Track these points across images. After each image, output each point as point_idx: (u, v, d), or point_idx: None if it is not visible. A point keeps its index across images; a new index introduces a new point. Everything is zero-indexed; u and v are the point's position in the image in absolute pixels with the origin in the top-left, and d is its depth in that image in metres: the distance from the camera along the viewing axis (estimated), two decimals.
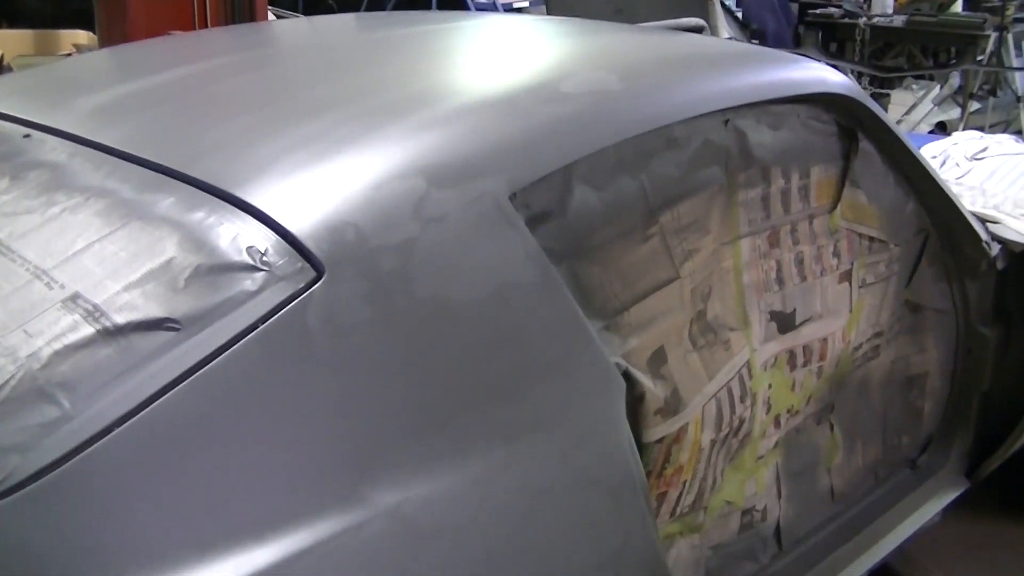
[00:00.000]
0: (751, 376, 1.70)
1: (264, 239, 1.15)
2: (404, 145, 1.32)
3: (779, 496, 1.88)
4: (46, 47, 5.68)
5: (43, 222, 1.26)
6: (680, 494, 1.62)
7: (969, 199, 2.35)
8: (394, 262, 1.19)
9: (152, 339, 1.06)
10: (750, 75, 1.73)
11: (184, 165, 1.30)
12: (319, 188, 1.23)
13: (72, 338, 1.05)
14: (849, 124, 1.83)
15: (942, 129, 5.78)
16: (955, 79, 6.10)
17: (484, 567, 1.23)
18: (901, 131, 1.94)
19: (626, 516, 1.40)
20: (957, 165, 2.92)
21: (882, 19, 6.17)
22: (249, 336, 1.08)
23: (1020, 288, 2.24)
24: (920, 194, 2.01)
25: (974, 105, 6.04)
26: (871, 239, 1.93)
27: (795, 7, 6.65)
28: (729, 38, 5.68)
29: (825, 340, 1.86)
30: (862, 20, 6.10)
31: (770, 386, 1.75)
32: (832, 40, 6.43)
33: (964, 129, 5.05)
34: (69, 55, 5.08)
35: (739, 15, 6.45)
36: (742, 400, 1.68)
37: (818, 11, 6.44)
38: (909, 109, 5.88)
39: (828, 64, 2.05)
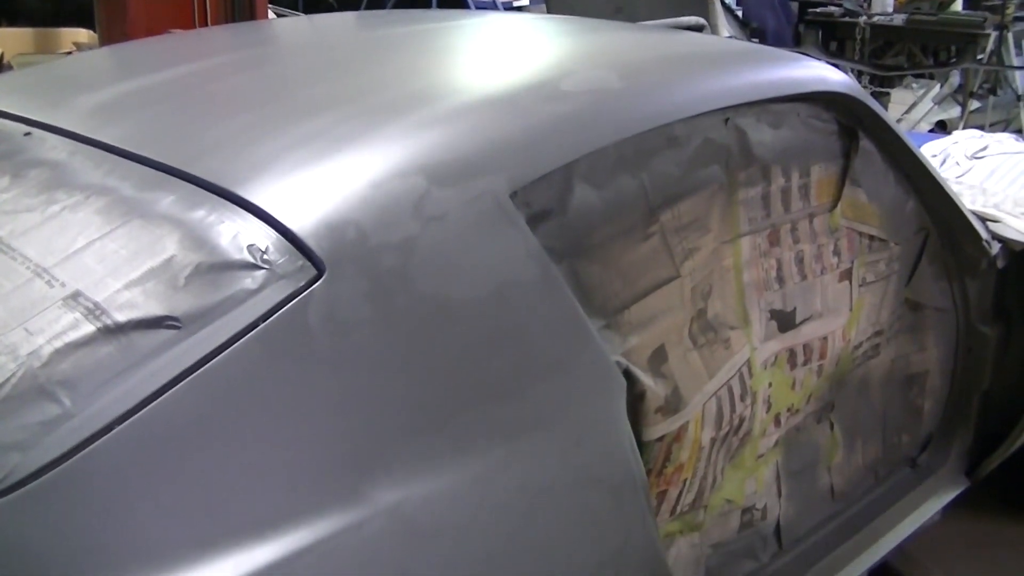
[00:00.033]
0: (751, 375, 1.70)
1: (265, 237, 1.15)
2: (404, 143, 1.31)
3: (779, 495, 1.88)
4: (46, 45, 5.69)
5: (44, 220, 1.26)
6: (680, 492, 1.62)
7: (969, 198, 2.35)
8: (395, 260, 1.18)
9: (153, 337, 1.06)
10: (750, 74, 1.73)
11: (185, 163, 1.30)
12: (320, 186, 1.23)
13: (73, 336, 1.06)
14: (849, 123, 1.83)
15: (942, 128, 5.79)
16: (955, 78, 6.11)
17: (484, 566, 1.23)
18: (901, 130, 1.94)
19: (626, 515, 1.40)
20: (957, 164, 2.92)
21: (882, 18, 6.17)
22: (250, 334, 1.08)
23: (1020, 287, 2.24)
24: (920, 193, 2.01)
25: (974, 104, 6.05)
26: (871, 238, 1.93)
27: (795, 6, 6.65)
28: (729, 37, 5.68)
29: (825, 339, 1.86)
30: (862, 19, 6.11)
31: (770, 385, 1.75)
32: (832, 39, 6.44)
33: (964, 128, 5.05)
34: (69, 53, 5.08)
35: (739, 13, 6.45)
36: (742, 399, 1.68)
37: (818, 10, 6.45)
38: (909, 108, 5.88)
39: (828, 63, 2.05)
